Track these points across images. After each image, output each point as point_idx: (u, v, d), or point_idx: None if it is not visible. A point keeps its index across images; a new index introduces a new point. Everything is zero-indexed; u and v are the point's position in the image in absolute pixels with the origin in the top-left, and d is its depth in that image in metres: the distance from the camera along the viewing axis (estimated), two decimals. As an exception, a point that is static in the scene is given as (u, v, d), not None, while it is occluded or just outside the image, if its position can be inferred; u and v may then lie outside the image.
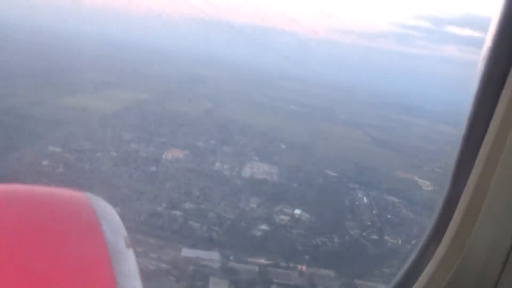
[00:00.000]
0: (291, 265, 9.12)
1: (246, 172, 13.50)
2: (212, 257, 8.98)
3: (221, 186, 12.00)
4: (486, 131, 1.22)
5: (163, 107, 19.95)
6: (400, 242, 10.66)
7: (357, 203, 12.49)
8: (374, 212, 12.00)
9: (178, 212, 10.17)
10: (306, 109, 25.08)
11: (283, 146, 17.21)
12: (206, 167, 13.22)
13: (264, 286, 8.56)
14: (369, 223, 11.29)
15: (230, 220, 10.17)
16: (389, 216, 11.92)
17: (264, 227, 10.16)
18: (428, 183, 15.49)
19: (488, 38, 1.22)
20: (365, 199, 12.75)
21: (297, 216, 10.96)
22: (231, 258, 8.99)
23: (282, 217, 10.78)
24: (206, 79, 26.20)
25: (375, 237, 10.64)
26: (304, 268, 9.09)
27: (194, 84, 25.13)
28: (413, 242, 10.89)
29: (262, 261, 9.05)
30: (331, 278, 9.02)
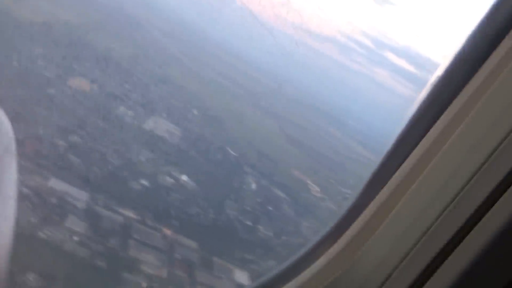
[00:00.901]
0: (158, 226, 9.01)
1: (148, 125, 13.14)
2: (80, 196, 8.63)
3: (117, 130, 11.58)
4: (410, 153, 1.24)
5: (87, 35, 18.84)
6: (271, 235, 10.91)
7: (244, 187, 12.62)
8: (257, 200, 12.19)
9: (61, 142, 9.66)
10: (233, 87, 24.89)
11: (196, 112, 16.97)
12: (109, 107, 12.69)
13: (121, 239, 8.38)
14: (249, 209, 11.45)
15: (112, 166, 9.84)
16: (270, 208, 12.16)
17: (145, 182, 9.94)
18: (318, 189, 16.02)
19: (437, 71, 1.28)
20: (253, 186, 12.92)
21: (182, 182, 10.85)
22: (99, 203, 8.70)
23: (167, 178, 10.61)
24: (146, 25, 25.12)
25: (249, 223, 10.80)
26: (169, 232, 9.02)
27: (132, 25, 23.96)
28: (283, 238, 11.21)
29: (130, 214, 8.85)
30: (191, 249, 9.03)
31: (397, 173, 1.28)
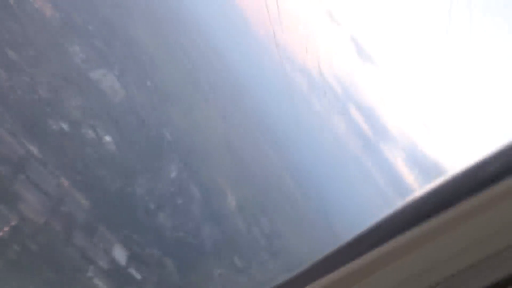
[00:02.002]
0: (57, 173, 8.48)
1: (95, 74, 12.59)
2: (-12, 111, 7.99)
3: (60, 65, 11.00)
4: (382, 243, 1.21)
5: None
6: (169, 226, 10.61)
7: (163, 172, 12.29)
8: (171, 189, 11.87)
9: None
10: (198, 75, 24.56)
11: (149, 83, 16.49)
12: (62, 40, 12.08)
13: (12, 169, 7.76)
14: (158, 193, 11.10)
15: (38, 96, 9.26)
16: (179, 202, 11.87)
17: (64, 126, 9.39)
18: (234, 203, 15.90)
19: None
20: (173, 174, 12.61)
21: (104, 141, 10.39)
22: (6, 126, 8.07)
23: (90, 131, 10.12)
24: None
25: (152, 206, 10.45)
26: (66, 184, 8.51)
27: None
28: (180, 234, 10.92)
29: (34, 150, 8.27)
30: (82, 208, 8.52)
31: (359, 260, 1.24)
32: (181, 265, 10.11)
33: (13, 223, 6.94)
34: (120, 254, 8.44)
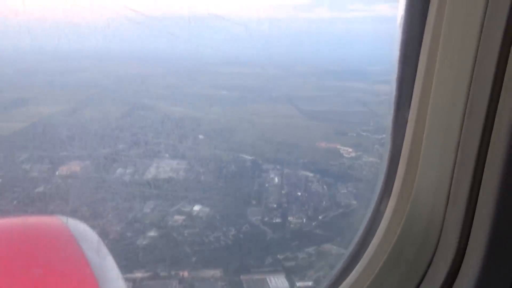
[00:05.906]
0: (172, 273, 8.28)
1: (150, 173, 12.56)
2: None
3: (116, 194, 11.06)
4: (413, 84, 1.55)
5: (76, 118, 18.70)
6: (304, 220, 9.96)
7: (266, 185, 11.76)
8: (283, 192, 11.28)
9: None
10: (237, 92, 24.04)
11: (201, 136, 16.28)
12: (104, 176, 12.23)
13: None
14: (275, 206, 10.55)
15: (114, 233, 9.25)
16: (298, 194, 11.21)
17: (152, 233, 9.27)
18: (350, 149, 14.82)
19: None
20: (276, 180, 12.03)
21: (194, 213, 10.13)
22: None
23: (176, 217, 9.92)
24: (134, 78, 24.95)
25: (278, 220, 9.90)
26: (186, 273, 8.27)
27: (120, 85, 23.82)
28: (320, 217, 10.20)
29: (139, 275, 8.17)
30: (216, 278, 8.22)
31: (411, 107, 1.60)
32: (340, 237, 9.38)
33: None
34: (278, 282, 7.94)
